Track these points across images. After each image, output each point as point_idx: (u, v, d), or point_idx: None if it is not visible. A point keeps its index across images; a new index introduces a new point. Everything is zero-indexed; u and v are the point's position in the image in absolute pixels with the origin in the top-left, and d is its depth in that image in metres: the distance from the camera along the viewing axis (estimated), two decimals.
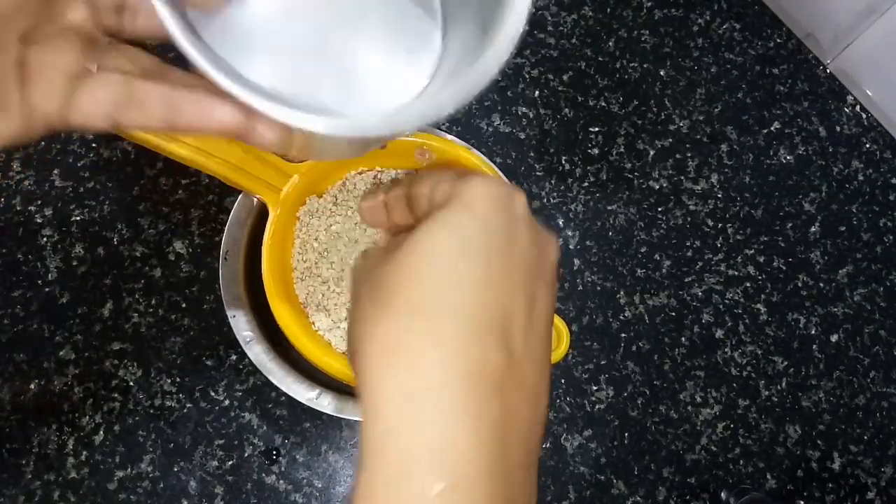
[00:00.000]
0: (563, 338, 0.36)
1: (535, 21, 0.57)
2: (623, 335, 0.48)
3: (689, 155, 0.54)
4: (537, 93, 0.54)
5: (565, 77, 0.55)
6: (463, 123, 0.52)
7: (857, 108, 0.57)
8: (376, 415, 0.19)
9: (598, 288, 0.49)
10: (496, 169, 0.42)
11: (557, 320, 0.35)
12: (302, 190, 0.37)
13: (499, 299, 0.21)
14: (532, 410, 0.21)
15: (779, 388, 0.48)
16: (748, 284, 0.51)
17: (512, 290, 0.21)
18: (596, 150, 0.53)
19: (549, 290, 0.23)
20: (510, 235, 0.22)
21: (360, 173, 0.40)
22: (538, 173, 0.52)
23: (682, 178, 0.53)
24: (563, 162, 0.52)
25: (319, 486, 0.42)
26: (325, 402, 0.38)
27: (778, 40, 0.59)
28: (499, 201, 0.22)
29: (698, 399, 0.47)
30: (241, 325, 0.39)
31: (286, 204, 0.37)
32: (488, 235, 0.21)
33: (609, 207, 0.51)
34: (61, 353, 0.43)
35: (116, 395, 0.43)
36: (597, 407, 0.46)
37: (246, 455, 0.43)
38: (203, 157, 0.35)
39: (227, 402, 0.43)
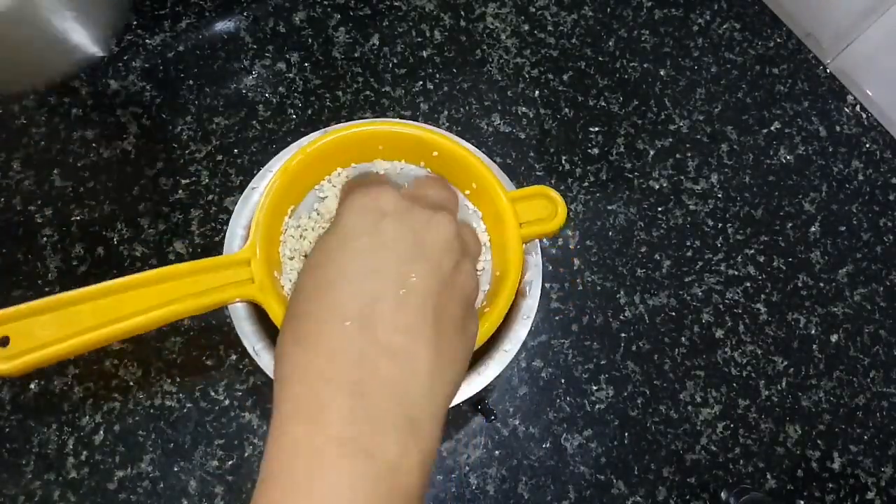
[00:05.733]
0: (559, 206, 0.36)
1: (536, 21, 0.57)
2: (623, 335, 0.48)
3: (689, 155, 0.54)
4: (537, 93, 0.54)
5: (565, 77, 0.55)
6: (463, 123, 0.52)
7: (857, 108, 0.57)
8: (273, 401, 0.25)
9: (598, 288, 0.49)
10: (494, 166, 0.42)
11: (553, 192, 0.37)
12: (266, 260, 0.35)
13: (361, 289, 0.25)
14: (400, 369, 0.24)
15: (779, 388, 0.48)
16: (748, 284, 0.51)
17: (377, 277, 0.25)
18: (596, 150, 0.53)
19: (431, 265, 0.27)
20: (373, 234, 0.26)
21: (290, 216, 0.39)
22: (538, 173, 0.52)
23: (682, 177, 0.53)
24: (563, 162, 0.52)
25: None
26: (265, 360, 0.36)
27: (778, 40, 0.59)
28: (361, 209, 0.27)
29: (698, 399, 0.47)
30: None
31: (266, 288, 0.34)
32: (348, 242, 0.26)
33: (609, 207, 0.51)
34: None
35: (116, 395, 0.43)
36: (597, 407, 0.46)
37: (246, 455, 0.43)
38: (168, 310, 0.32)
39: (227, 402, 0.43)
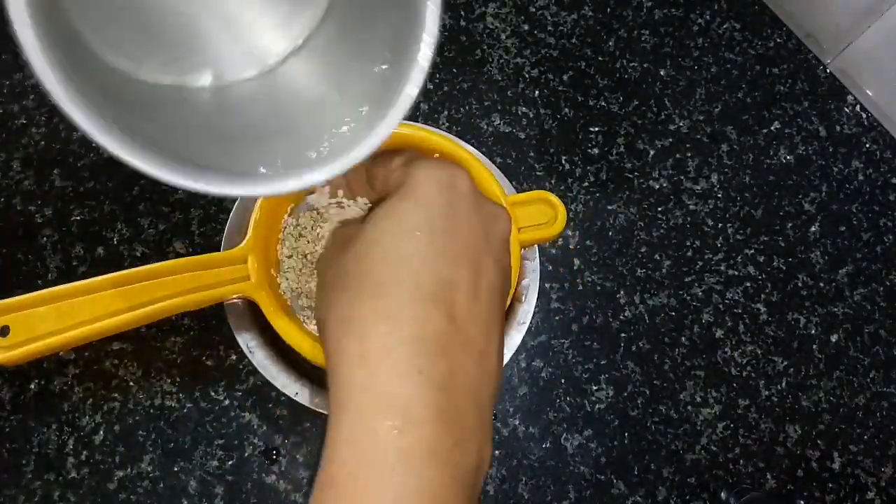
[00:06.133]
0: (559, 211, 0.36)
1: (536, 21, 0.57)
2: (623, 335, 0.48)
3: (689, 155, 0.54)
4: (537, 93, 0.54)
5: (565, 77, 0.55)
6: (463, 123, 0.52)
7: (857, 108, 0.57)
8: (337, 378, 0.22)
9: (598, 288, 0.49)
10: (494, 169, 0.42)
11: (553, 196, 0.36)
12: (263, 257, 0.36)
13: (441, 273, 0.23)
14: (478, 367, 0.23)
15: (779, 388, 0.48)
16: (748, 284, 0.51)
17: (455, 263, 0.23)
18: (596, 150, 0.53)
19: (496, 261, 0.25)
20: (451, 215, 0.24)
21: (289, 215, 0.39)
22: (538, 173, 0.52)
23: (682, 177, 0.53)
24: (563, 162, 0.52)
25: None
26: (258, 358, 0.37)
27: (778, 40, 0.59)
28: (440, 183, 0.25)
29: (698, 399, 0.47)
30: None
31: (262, 285, 0.35)
32: (429, 217, 0.24)
33: (609, 207, 0.51)
34: (61, 352, 0.43)
35: (116, 395, 0.43)
36: (597, 407, 0.46)
37: (246, 455, 0.43)
38: (165, 305, 0.32)
39: (227, 402, 0.43)
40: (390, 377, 0.21)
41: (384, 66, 0.22)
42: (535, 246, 0.41)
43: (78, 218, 0.47)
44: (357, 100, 0.23)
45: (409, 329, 0.22)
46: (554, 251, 0.50)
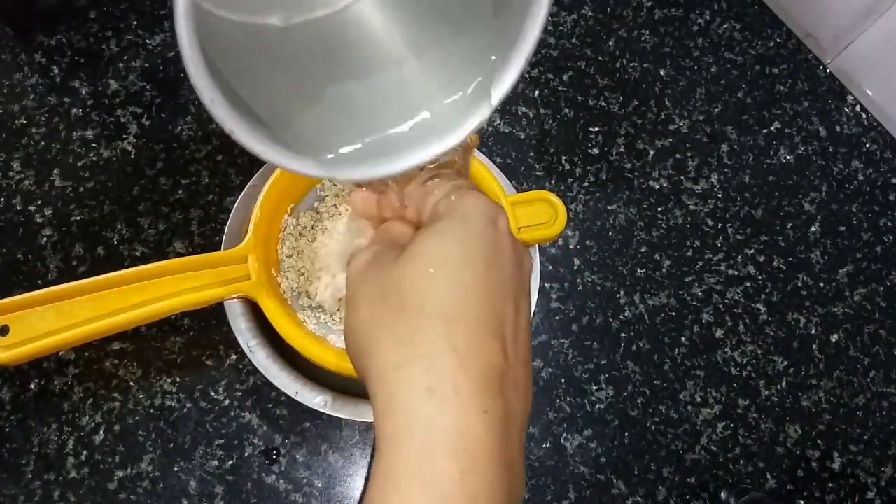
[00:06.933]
0: (559, 211, 0.36)
1: None
2: (623, 335, 0.48)
3: (689, 155, 0.54)
4: (537, 93, 0.54)
5: (565, 77, 0.55)
6: None
7: (857, 108, 0.57)
8: (394, 408, 0.21)
9: (598, 288, 0.49)
10: (494, 169, 0.42)
11: (553, 196, 0.36)
12: (263, 257, 0.36)
13: (495, 306, 0.23)
14: (523, 408, 0.23)
15: (779, 388, 0.48)
16: (748, 284, 0.51)
17: (504, 299, 0.23)
18: (596, 150, 0.53)
19: (527, 298, 0.25)
20: (498, 250, 0.24)
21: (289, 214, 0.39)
22: (538, 173, 0.52)
23: (682, 177, 0.53)
24: (563, 162, 0.52)
25: (319, 486, 0.42)
26: (259, 358, 0.37)
27: (778, 40, 0.59)
28: (489, 217, 0.24)
29: (698, 399, 0.47)
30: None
31: (262, 284, 0.35)
32: (482, 250, 0.23)
33: (609, 207, 0.51)
34: (61, 352, 0.43)
35: (116, 395, 0.43)
36: (597, 407, 0.46)
37: (246, 455, 0.43)
38: (165, 304, 0.33)
39: (227, 402, 0.43)
40: (458, 415, 0.21)
41: (475, 32, 0.22)
42: (536, 246, 0.41)
43: (78, 218, 0.47)
44: (442, 70, 0.23)
45: (475, 364, 0.21)
46: (554, 251, 0.50)
